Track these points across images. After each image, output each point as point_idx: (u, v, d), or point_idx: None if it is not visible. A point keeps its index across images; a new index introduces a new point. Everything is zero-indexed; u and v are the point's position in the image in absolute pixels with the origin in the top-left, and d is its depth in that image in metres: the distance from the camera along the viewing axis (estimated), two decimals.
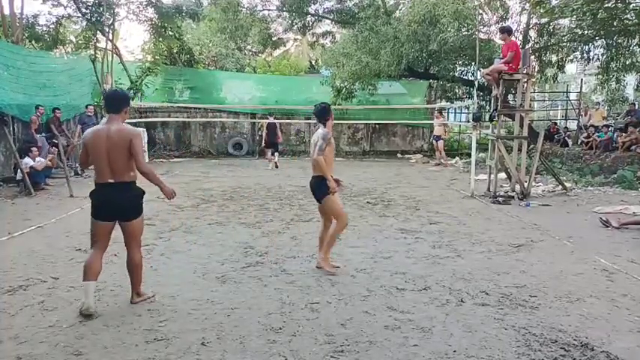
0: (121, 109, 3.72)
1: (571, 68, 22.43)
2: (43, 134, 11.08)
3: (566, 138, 15.46)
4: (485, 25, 14.93)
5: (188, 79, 18.58)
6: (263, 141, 15.29)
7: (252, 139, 18.13)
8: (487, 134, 10.04)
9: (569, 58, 15.62)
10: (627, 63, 14.50)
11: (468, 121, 13.11)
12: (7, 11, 14.03)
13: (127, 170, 3.66)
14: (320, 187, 4.64)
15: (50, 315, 3.66)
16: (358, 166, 14.80)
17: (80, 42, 17.20)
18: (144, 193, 3.80)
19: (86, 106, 12.56)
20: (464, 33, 13.81)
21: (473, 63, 14.94)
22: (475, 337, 3.32)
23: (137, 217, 3.77)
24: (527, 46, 13.39)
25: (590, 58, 15.22)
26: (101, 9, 14.42)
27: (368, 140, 18.92)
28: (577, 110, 18.04)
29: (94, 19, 14.91)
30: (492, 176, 9.11)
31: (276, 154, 14.21)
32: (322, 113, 4.73)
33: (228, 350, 3.14)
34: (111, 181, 3.63)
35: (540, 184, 10.27)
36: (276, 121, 14.53)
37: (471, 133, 10.61)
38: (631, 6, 11.48)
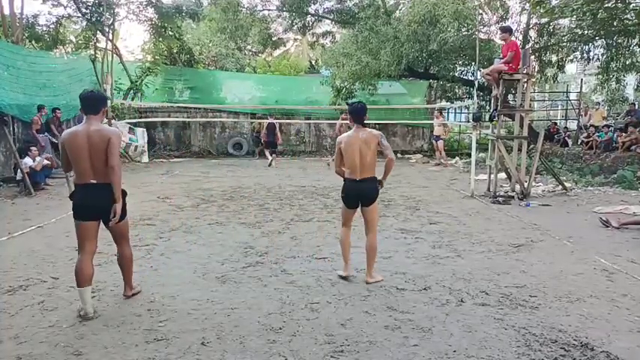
0: (99, 110, 3.67)
1: (571, 68, 22.44)
2: (46, 134, 11.11)
3: (566, 138, 15.48)
4: (485, 25, 14.92)
5: (188, 79, 18.59)
6: (262, 141, 15.34)
7: (252, 139, 18.15)
8: (487, 134, 10.04)
9: (569, 58, 15.60)
10: (627, 63, 14.49)
11: (468, 121, 13.12)
12: (7, 11, 14.06)
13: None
14: (375, 189, 4.45)
15: (50, 315, 3.67)
16: None
17: (80, 42, 17.21)
18: (126, 194, 3.76)
19: None
20: (464, 33, 13.80)
21: (473, 63, 14.93)
22: (475, 337, 3.32)
23: (122, 219, 3.73)
24: (527, 46, 13.38)
25: (590, 58, 15.20)
26: (101, 9, 14.41)
27: None
28: (577, 110, 18.05)
29: (94, 19, 14.92)
30: (492, 176, 9.10)
31: (273, 154, 14.27)
32: (362, 112, 4.47)
33: (228, 350, 3.15)
34: (93, 181, 3.58)
35: (540, 184, 10.27)
36: (275, 121, 14.56)
37: (471, 133, 10.61)
38: (631, 6, 11.46)
